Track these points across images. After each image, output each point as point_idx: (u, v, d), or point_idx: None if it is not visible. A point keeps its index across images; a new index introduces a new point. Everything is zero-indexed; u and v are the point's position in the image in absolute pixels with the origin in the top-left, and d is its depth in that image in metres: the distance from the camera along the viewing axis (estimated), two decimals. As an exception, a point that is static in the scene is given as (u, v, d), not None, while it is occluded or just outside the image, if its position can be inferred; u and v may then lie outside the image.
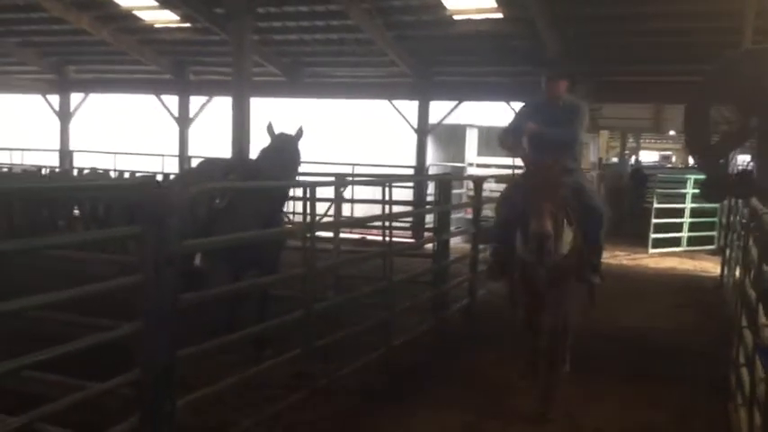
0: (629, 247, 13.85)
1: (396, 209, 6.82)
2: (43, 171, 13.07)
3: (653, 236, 13.87)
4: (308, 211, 5.18)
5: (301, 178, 7.17)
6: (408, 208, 10.56)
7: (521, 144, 5.62)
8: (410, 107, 14.95)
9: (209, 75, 16.13)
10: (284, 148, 6.02)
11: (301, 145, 6.11)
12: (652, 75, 13.20)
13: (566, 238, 5.02)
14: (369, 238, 12.21)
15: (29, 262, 4.36)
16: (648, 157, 39.05)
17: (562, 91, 5.61)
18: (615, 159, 24.89)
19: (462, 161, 16.75)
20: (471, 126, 17.09)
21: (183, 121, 16.52)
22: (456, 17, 11.93)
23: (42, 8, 13.48)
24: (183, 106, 16.48)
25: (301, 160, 6.21)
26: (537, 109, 5.68)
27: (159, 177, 9.42)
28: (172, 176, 10.59)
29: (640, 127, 25.45)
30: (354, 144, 17.73)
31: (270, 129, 6.06)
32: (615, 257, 12.78)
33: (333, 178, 8.25)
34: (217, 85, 15.48)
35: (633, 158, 27.34)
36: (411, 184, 13.33)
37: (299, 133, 6.10)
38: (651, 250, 13.79)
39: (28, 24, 15.10)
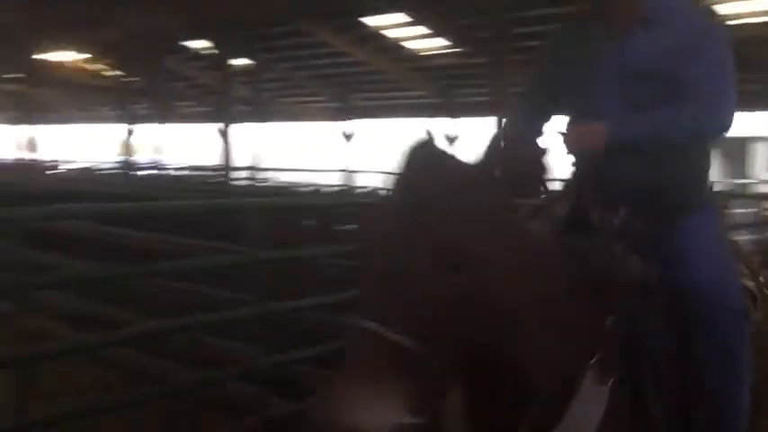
0: None
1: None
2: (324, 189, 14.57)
3: None
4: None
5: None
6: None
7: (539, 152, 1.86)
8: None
9: (473, 96, 16.67)
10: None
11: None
12: None
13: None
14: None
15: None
16: None
17: None
18: None
19: (746, 177, 15.17)
20: (759, 139, 15.40)
21: (451, 141, 17.29)
22: (730, 22, 10.99)
23: (329, 44, 15.16)
24: (450, 127, 17.24)
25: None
26: (583, 48, 2.19)
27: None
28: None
29: None
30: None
31: None
32: None
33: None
34: (480, 107, 15.95)
35: None
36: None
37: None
38: None
39: (317, 59, 17.04)
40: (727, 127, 2.09)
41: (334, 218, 5.96)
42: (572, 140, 2.06)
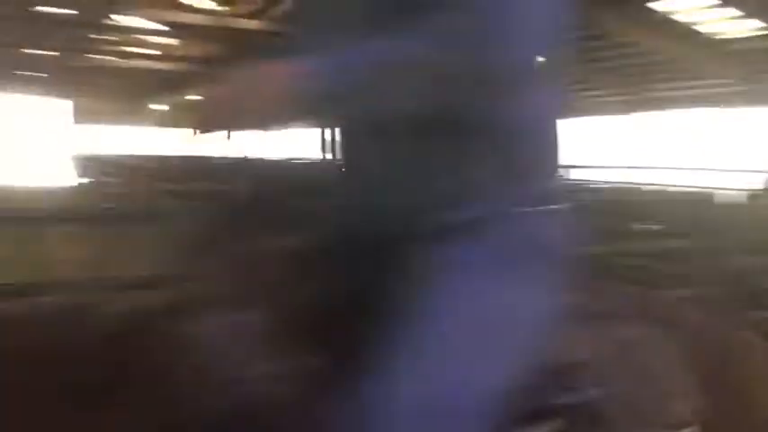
0: None
1: None
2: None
3: None
4: None
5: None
6: None
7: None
8: None
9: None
10: None
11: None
12: None
13: None
14: None
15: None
16: None
17: None
18: None
19: None
20: None
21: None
22: None
23: (613, 34, 14.70)
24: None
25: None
26: None
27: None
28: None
29: None
30: None
31: None
32: None
33: None
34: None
35: None
36: None
37: None
38: None
39: (603, 50, 16.53)
40: (505, 65, 1.05)
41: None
42: (237, 97, 1.03)
